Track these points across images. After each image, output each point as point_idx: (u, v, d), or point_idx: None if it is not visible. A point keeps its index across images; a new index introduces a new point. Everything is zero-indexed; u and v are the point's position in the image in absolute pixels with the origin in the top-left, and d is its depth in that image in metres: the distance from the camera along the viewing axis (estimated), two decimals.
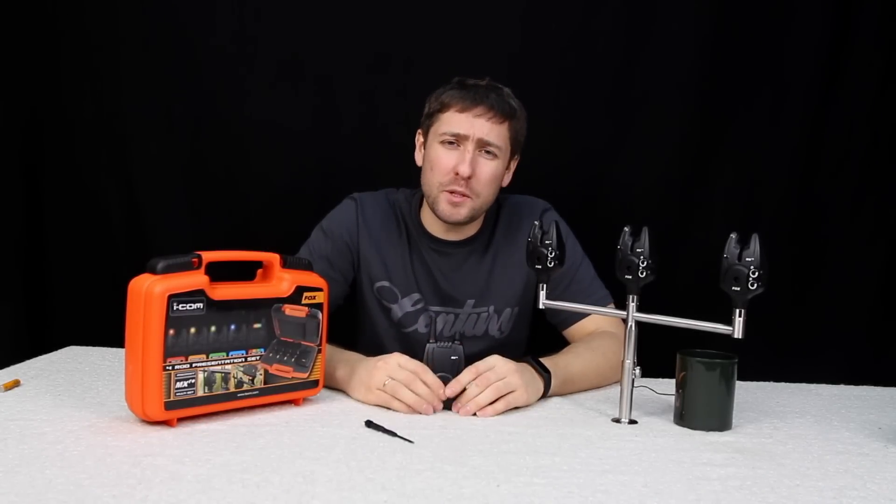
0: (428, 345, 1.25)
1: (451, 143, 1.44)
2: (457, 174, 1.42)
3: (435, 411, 1.20)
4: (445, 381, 1.21)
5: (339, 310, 1.50)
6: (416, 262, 1.55)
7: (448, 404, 1.21)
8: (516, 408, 1.23)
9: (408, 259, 1.55)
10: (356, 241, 1.54)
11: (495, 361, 1.22)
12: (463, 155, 1.42)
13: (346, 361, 1.30)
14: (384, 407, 1.21)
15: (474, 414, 1.19)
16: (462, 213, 1.46)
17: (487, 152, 1.44)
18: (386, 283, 1.55)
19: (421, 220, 1.56)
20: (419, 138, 1.54)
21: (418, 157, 1.54)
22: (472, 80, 1.48)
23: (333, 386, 1.30)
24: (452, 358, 1.23)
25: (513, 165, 1.54)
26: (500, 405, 1.20)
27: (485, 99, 1.43)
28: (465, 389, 1.21)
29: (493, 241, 1.56)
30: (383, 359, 1.24)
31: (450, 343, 1.24)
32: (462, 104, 1.43)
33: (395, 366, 1.22)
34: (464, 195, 1.44)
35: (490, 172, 1.45)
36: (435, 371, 1.22)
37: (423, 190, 1.51)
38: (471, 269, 1.55)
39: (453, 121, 1.44)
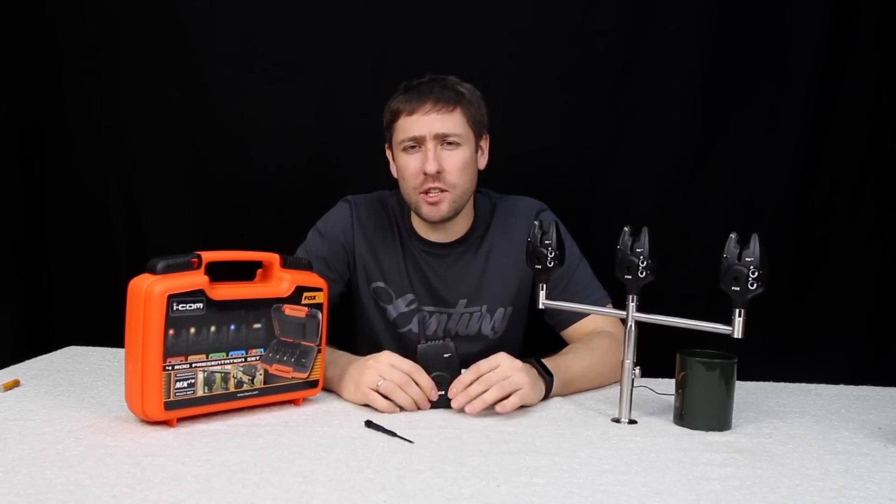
0: (419, 346, 1.24)
1: (411, 147, 1.46)
2: (426, 174, 1.43)
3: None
4: (442, 380, 1.21)
5: (336, 309, 1.50)
6: (410, 264, 1.56)
7: (447, 403, 1.21)
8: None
9: (401, 260, 1.56)
10: (351, 242, 1.55)
11: (500, 360, 1.21)
12: (425, 154, 1.44)
13: (336, 362, 1.29)
14: (371, 407, 1.21)
15: (494, 410, 1.18)
16: (443, 209, 1.47)
17: (449, 143, 1.45)
18: (381, 284, 1.56)
19: (412, 223, 1.57)
20: (388, 152, 1.56)
21: (393, 171, 1.56)
22: (415, 80, 1.49)
23: (324, 386, 1.29)
24: (445, 355, 1.22)
25: (485, 146, 1.55)
26: (514, 399, 1.18)
27: (429, 94, 1.45)
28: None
29: (486, 240, 1.57)
30: (374, 358, 1.24)
31: (439, 340, 1.24)
32: (409, 107, 1.45)
33: (387, 366, 1.21)
34: (441, 190, 1.45)
35: (458, 161, 1.46)
36: (430, 370, 1.22)
37: (404, 199, 1.52)
38: (463, 269, 1.56)
39: (406, 126, 1.46)
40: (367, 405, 1.22)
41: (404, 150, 1.47)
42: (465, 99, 1.48)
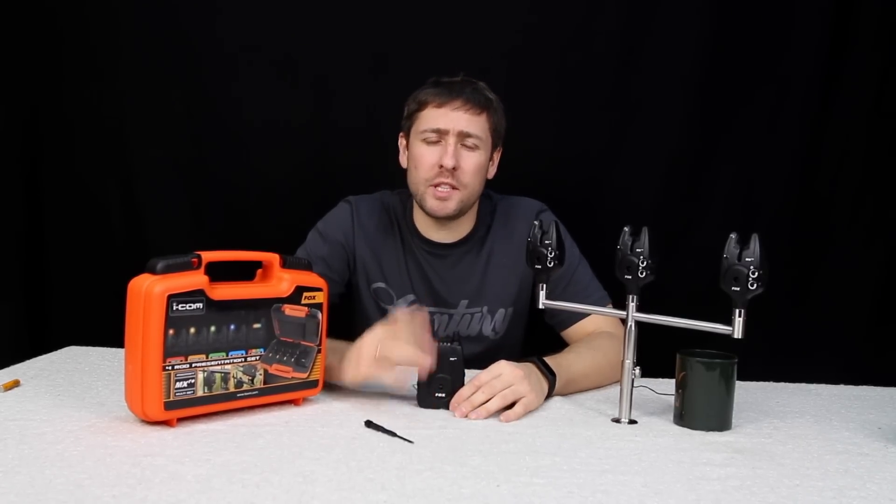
0: None
1: (432, 139, 1.46)
2: (441, 167, 1.44)
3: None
4: (444, 382, 1.21)
5: (335, 308, 1.50)
6: (411, 264, 1.56)
7: (447, 405, 1.21)
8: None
9: (402, 261, 1.56)
10: (352, 243, 1.55)
11: (501, 369, 1.21)
12: (445, 148, 1.45)
13: (334, 350, 1.27)
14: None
15: (500, 420, 1.17)
16: (450, 206, 1.47)
17: (469, 144, 1.46)
18: (382, 285, 1.56)
19: (414, 222, 1.57)
20: (402, 141, 1.56)
21: (403, 160, 1.56)
22: (446, 77, 1.50)
23: (325, 378, 1.26)
24: (451, 359, 1.21)
25: (496, 157, 1.56)
26: (519, 409, 1.18)
27: (461, 93, 1.46)
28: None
29: (487, 241, 1.57)
30: (364, 337, 1.21)
31: (448, 344, 1.23)
32: (439, 100, 1.46)
33: (378, 331, 1.20)
34: (452, 187, 1.46)
35: (474, 163, 1.47)
36: (434, 372, 1.21)
37: (410, 190, 1.52)
38: (464, 270, 1.56)
39: (432, 117, 1.46)
40: (370, 380, 1.19)
41: (424, 140, 1.47)
42: (493, 107, 1.50)
